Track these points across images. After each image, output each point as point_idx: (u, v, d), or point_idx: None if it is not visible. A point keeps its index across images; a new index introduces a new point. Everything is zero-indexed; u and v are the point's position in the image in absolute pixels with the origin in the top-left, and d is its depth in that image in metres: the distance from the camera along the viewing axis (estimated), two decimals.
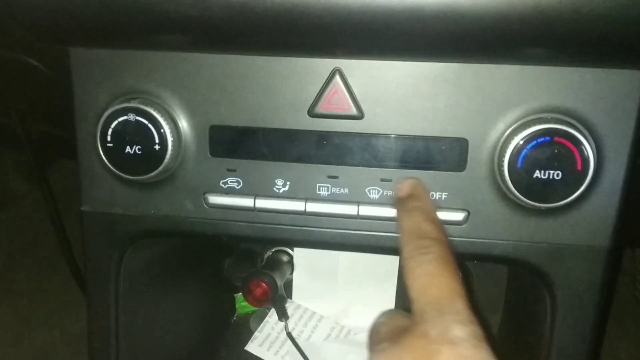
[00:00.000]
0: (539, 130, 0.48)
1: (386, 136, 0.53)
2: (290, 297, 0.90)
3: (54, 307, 1.38)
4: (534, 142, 0.49)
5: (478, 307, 0.85)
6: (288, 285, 0.90)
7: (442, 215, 0.53)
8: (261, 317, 0.89)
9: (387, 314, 0.47)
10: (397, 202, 0.52)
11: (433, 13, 0.43)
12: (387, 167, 0.54)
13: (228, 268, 0.91)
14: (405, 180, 0.53)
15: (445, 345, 0.37)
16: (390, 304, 0.88)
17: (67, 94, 0.57)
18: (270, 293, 0.79)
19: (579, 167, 0.49)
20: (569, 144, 0.48)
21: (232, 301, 0.95)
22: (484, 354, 0.37)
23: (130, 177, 0.56)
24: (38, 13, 0.49)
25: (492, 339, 0.47)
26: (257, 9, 0.45)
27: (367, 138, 0.53)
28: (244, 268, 0.88)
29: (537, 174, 0.49)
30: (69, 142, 0.60)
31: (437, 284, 0.41)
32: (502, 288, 0.83)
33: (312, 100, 0.53)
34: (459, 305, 0.40)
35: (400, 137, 0.53)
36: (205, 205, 0.57)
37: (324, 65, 0.52)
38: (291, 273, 0.89)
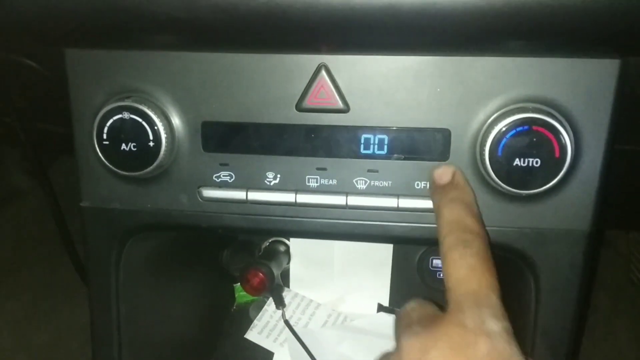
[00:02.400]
0: (518, 119, 0.50)
1: (372, 128, 0.55)
2: (288, 286, 0.93)
3: (60, 301, 1.40)
4: (513, 131, 0.50)
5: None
6: (285, 275, 0.92)
7: (428, 203, 0.55)
8: (260, 306, 0.92)
9: (416, 301, 0.49)
10: (436, 189, 0.53)
11: (412, 9, 0.44)
12: (374, 158, 0.56)
13: (226, 259, 0.93)
14: (444, 167, 0.54)
15: (481, 336, 0.39)
16: (385, 291, 0.90)
17: (63, 92, 0.59)
18: (267, 282, 0.81)
19: (557, 155, 0.50)
20: (546, 132, 0.50)
21: (232, 291, 0.97)
22: (515, 350, 0.40)
23: (127, 173, 0.58)
24: (32, 16, 0.50)
25: None
26: (242, 9, 0.46)
27: (353, 130, 0.55)
28: (241, 259, 0.90)
29: (516, 161, 0.51)
30: (70, 139, 0.62)
31: (476, 277, 0.43)
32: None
33: (299, 95, 0.55)
34: (495, 300, 0.42)
35: (386, 129, 0.55)
36: (200, 199, 0.59)
37: (310, 61, 0.54)
38: (288, 263, 0.91)
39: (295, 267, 0.92)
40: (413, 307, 0.48)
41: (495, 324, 0.40)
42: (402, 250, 0.89)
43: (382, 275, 0.90)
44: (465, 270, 0.44)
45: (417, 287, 0.90)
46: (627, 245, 1.39)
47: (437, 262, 0.88)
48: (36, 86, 0.78)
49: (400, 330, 0.45)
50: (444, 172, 0.53)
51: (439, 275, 0.88)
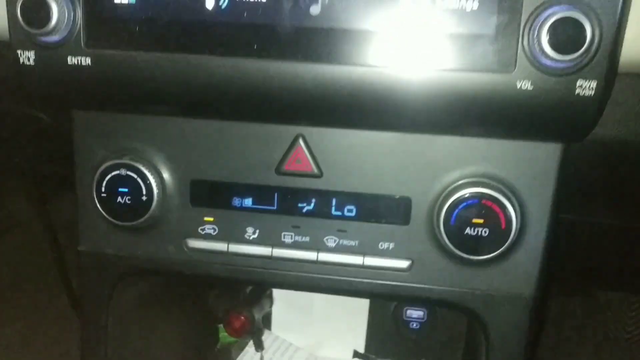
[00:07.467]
0: (468, 193, 0.56)
1: (342, 193, 0.61)
2: (270, 329, 0.98)
3: (54, 330, 1.43)
4: (465, 204, 0.56)
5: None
6: (268, 318, 0.97)
7: (390, 262, 0.61)
8: (242, 347, 0.96)
9: None
10: None
11: (372, 97, 0.51)
12: (343, 220, 0.62)
13: (212, 300, 0.98)
14: None
15: None
16: (361, 338, 0.95)
17: (68, 143, 0.66)
18: (248, 325, 0.86)
19: (503, 226, 0.56)
20: (494, 206, 0.56)
21: (216, 331, 1.02)
22: None
23: (121, 223, 0.64)
24: (44, 87, 0.58)
25: None
26: (230, 91, 0.53)
27: (325, 194, 0.61)
28: (226, 301, 0.95)
29: (467, 230, 0.57)
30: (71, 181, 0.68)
31: None
32: (464, 327, 0.90)
33: (278, 161, 0.61)
34: None
35: (354, 194, 0.61)
36: (186, 249, 0.65)
37: (289, 131, 0.60)
38: (271, 306, 0.96)
39: (278, 311, 0.97)
40: None
41: None
42: (378, 300, 0.94)
43: (359, 322, 0.95)
44: None
45: (392, 335, 0.95)
46: (625, 306, 1.42)
47: (410, 312, 0.93)
48: (44, 134, 0.84)
49: None
50: None
51: (412, 325, 0.93)
